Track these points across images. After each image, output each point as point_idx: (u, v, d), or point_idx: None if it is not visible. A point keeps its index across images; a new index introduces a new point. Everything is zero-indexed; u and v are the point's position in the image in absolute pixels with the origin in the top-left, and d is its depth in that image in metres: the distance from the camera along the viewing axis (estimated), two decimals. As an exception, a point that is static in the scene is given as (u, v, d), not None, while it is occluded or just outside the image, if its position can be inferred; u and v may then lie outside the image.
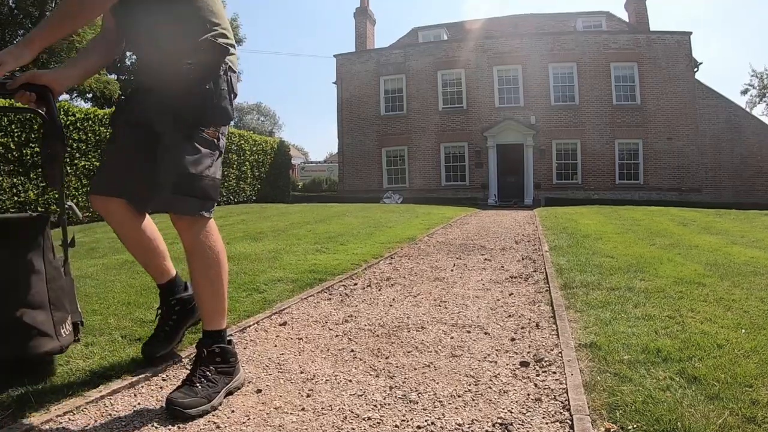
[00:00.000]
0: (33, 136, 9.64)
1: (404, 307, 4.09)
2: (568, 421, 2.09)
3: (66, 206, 2.89)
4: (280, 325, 3.63)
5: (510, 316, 3.78)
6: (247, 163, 18.41)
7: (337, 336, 3.37)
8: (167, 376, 2.73)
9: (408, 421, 2.12)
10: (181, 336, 2.88)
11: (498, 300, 4.27)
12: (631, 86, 21.96)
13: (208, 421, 2.15)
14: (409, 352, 3.01)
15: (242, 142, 18.20)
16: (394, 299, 4.35)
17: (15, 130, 9.42)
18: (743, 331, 3.11)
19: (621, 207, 15.64)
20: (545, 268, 5.51)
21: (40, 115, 2.31)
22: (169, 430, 2.08)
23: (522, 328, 3.47)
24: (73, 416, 2.18)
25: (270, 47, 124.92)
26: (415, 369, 2.73)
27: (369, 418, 2.15)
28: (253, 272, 5.24)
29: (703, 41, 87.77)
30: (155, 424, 2.10)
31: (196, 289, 2.50)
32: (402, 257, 6.62)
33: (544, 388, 2.45)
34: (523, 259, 6.37)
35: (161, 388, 2.58)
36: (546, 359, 2.81)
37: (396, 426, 2.08)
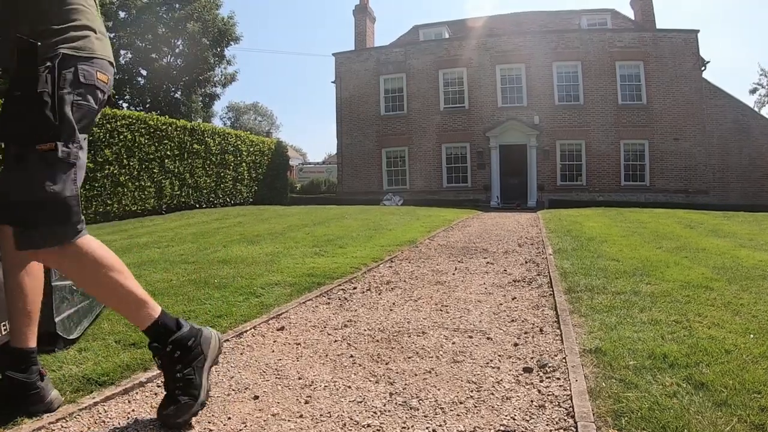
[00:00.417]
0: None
1: (405, 311, 4.10)
2: (573, 428, 2.09)
3: None
4: (278, 330, 3.63)
5: (513, 320, 3.78)
6: (243, 164, 18.43)
7: (336, 341, 3.37)
8: (162, 381, 2.73)
9: (409, 429, 2.12)
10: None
11: (501, 304, 4.28)
12: (637, 85, 21.98)
13: (204, 428, 2.15)
14: (409, 357, 3.02)
15: (239, 142, 18.22)
16: (394, 303, 4.36)
17: None
18: (752, 336, 3.11)
19: (626, 209, 15.65)
20: (549, 272, 5.51)
21: None
22: (164, 437, 2.08)
23: (525, 333, 3.47)
24: (65, 423, 2.18)
25: (267, 45, 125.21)
26: (416, 375, 2.73)
27: (369, 426, 2.15)
28: (250, 276, 5.24)
29: (711, 39, 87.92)
30: (150, 432, 2.11)
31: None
32: (402, 261, 6.62)
33: (548, 395, 2.45)
34: (526, 262, 6.37)
35: (156, 394, 2.59)
36: (550, 365, 2.82)
37: (396, 433, 2.09)
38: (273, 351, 3.20)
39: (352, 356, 3.06)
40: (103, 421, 2.22)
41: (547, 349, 3.12)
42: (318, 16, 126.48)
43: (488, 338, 3.37)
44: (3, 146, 1.88)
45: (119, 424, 2.19)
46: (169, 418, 2.12)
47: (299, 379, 2.72)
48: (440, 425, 2.14)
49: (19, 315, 2.11)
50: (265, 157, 20.41)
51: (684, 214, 13.07)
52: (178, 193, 14.54)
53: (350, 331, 3.57)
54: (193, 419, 2.19)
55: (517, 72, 23.06)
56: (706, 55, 33.18)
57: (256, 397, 2.49)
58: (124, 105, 32.35)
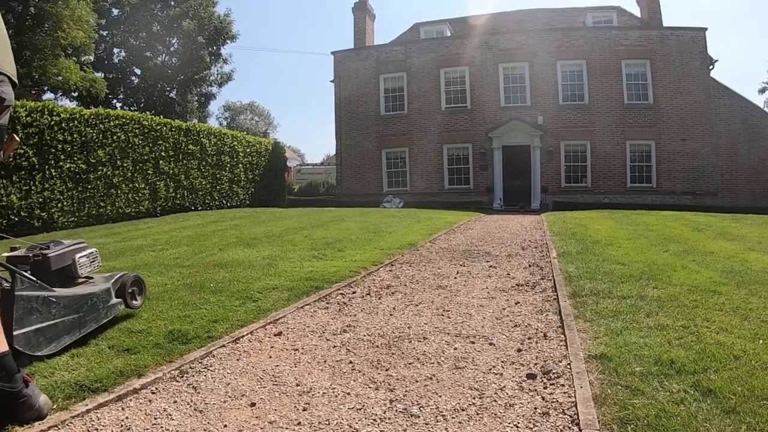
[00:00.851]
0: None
1: (405, 316, 4.10)
2: (577, 436, 2.09)
3: None
4: (275, 335, 3.63)
5: (516, 325, 3.79)
6: (240, 165, 18.43)
7: (334, 347, 3.37)
8: (157, 389, 2.74)
9: (409, 436, 2.12)
10: None
11: (504, 309, 4.28)
12: (644, 85, 22.00)
13: (200, 436, 2.15)
14: (410, 363, 3.02)
15: (235, 143, 18.22)
16: (394, 308, 4.36)
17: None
18: (761, 341, 3.12)
19: (633, 211, 15.66)
20: (553, 276, 5.51)
21: None
22: (159, 445, 2.08)
23: (529, 338, 3.48)
24: (57, 431, 2.18)
25: (264, 44, 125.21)
26: (417, 381, 2.74)
27: (368, 433, 2.16)
28: (246, 280, 5.25)
29: (719, 38, 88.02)
30: (144, 440, 2.11)
31: None
32: (403, 264, 6.63)
33: (552, 402, 2.46)
34: (530, 266, 6.38)
35: (150, 401, 2.59)
36: (554, 371, 2.82)
37: (397, 441, 2.09)
38: (270, 357, 3.20)
39: (351, 362, 3.06)
40: (96, 429, 2.22)
41: (552, 354, 3.13)
42: (316, 14, 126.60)
43: (491, 344, 3.37)
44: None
45: None
46: None
47: (297, 385, 2.72)
48: (442, 433, 2.14)
49: None
50: (262, 158, 20.42)
51: (691, 217, 13.08)
52: (173, 195, 14.54)
53: (349, 337, 3.58)
54: (189, 427, 2.19)
55: (521, 71, 23.08)
56: (714, 53, 33.23)
57: (253, 404, 2.49)
58: (118, 105, 32.37)
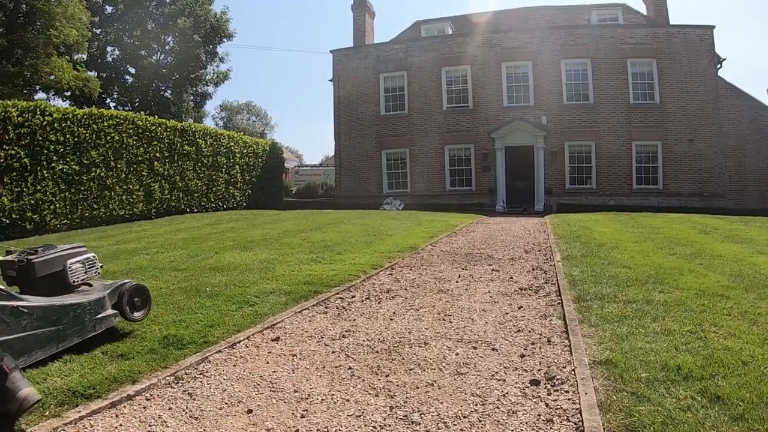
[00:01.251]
0: (6, 137, 9.68)
1: (406, 321, 4.10)
2: (582, 443, 2.10)
3: None
4: (273, 340, 3.63)
5: (519, 330, 3.79)
6: (237, 166, 18.45)
7: (333, 352, 3.38)
8: (151, 395, 2.74)
9: (410, 444, 2.13)
10: None
11: (506, 313, 4.28)
12: (650, 84, 22.00)
13: (196, 444, 2.15)
14: (411, 369, 3.02)
15: (232, 143, 18.24)
16: (394, 313, 4.36)
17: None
18: (770, 347, 3.12)
19: (638, 214, 15.65)
20: (557, 280, 5.51)
21: None
22: (154, 453, 2.09)
23: (532, 343, 3.48)
24: (50, 438, 2.19)
25: (262, 42, 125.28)
26: (418, 388, 2.74)
27: (368, 441, 2.16)
28: (243, 284, 5.25)
29: (726, 36, 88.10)
30: (138, 447, 2.12)
31: None
32: (403, 268, 6.63)
33: (556, 408, 2.46)
34: (533, 269, 6.38)
35: (144, 408, 2.59)
36: (558, 377, 2.82)
37: (397, 449, 2.09)
38: (268, 362, 3.21)
39: (350, 368, 3.06)
40: (90, 436, 2.22)
41: (556, 360, 3.13)
42: (315, 12, 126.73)
43: (493, 349, 3.37)
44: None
45: (106, 439, 2.20)
46: None
47: (295, 392, 2.73)
48: (443, 440, 2.15)
49: None
50: (260, 159, 20.43)
51: (699, 219, 13.08)
52: (168, 196, 14.55)
53: (348, 342, 3.58)
54: (184, 434, 2.19)
55: (524, 70, 23.08)
56: (721, 52, 33.22)
57: (250, 411, 2.50)
58: (112, 104, 32.35)
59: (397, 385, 2.76)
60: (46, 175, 10.50)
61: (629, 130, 22.08)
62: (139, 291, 3.75)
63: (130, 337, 3.52)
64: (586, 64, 22.65)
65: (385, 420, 2.36)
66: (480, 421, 2.33)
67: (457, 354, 3.27)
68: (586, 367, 2.88)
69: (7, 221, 9.58)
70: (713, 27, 21.68)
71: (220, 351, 3.36)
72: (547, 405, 2.50)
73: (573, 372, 2.87)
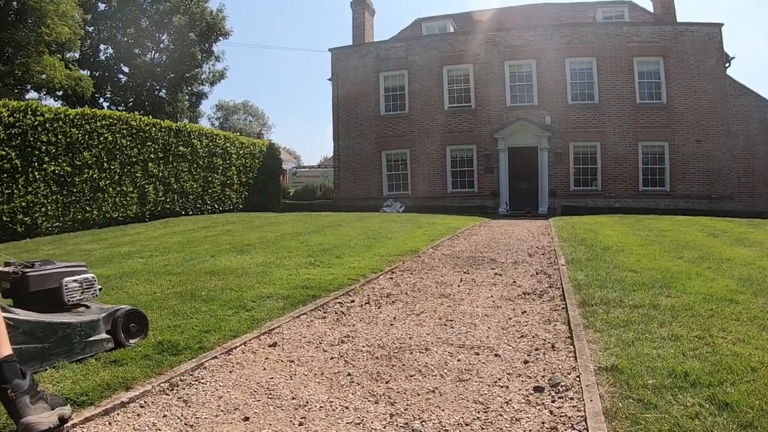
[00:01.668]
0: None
1: (406, 326, 4.11)
2: (587, 451, 2.10)
3: None
4: (270, 346, 3.64)
5: (523, 336, 3.79)
6: (233, 167, 18.47)
7: (332, 358, 3.38)
8: (145, 402, 2.74)
9: (410, 452, 2.13)
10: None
11: (510, 319, 4.29)
12: (657, 83, 22.04)
13: (191, 452, 2.16)
14: (411, 376, 3.03)
15: (228, 144, 18.26)
16: (395, 318, 4.37)
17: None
18: (780, 353, 3.12)
19: (645, 216, 15.67)
20: (561, 284, 5.52)
21: None
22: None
23: (536, 349, 3.48)
24: (41, 446, 2.19)
25: (259, 40, 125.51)
26: (419, 395, 2.74)
27: (367, 449, 2.17)
28: (239, 288, 5.26)
29: (735, 34, 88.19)
30: (132, 456, 2.12)
31: None
32: (404, 271, 6.64)
33: (561, 416, 2.46)
34: (537, 273, 6.39)
35: (138, 415, 2.60)
36: (562, 384, 2.83)
37: (397, 457, 2.10)
38: (265, 369, 3.21)
39: (349, 374, 3.07)
40: (82, 445, 2.22)
41: (560, 366, 3.13)
42: (313, 9, 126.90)
43: (496, 355, 3.38)
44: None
45: (99, 447, 2.20)
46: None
47: (293, 399, 2.73)
48: (444, 449, 2.15)
49: None
50: (256, 161, 20.46)
51: (707, 222, 13.09)
52: (162, 199, 14.57)
53: (348, 348, 3.59)
54: (179, 442, 2.20)
55: (528, 69, 23.14)
56: (730, 50, 33.27)
57: (247, 419, 2.50)
58: (105, 104, 32.41)
59: (398, 392, 2.77)
60: (37, 176, 10.51)
61: (635, 131, 22.09)
62: (136, 317, 3.69)
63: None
64: (591, 62, 22.67)
65: (385, 428, 2.36)
66: (482, 428, 2.34)
67: (458, 360, 3.28)
68: (592, 374, 2.89)
69: None
70: (721, 25, 21.70)
71: (215, 357, 3.37)
72: (551, 412, 2.50)
73: (578, 378, 2.87)
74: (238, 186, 18.97)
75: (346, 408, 2.59)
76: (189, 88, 35.65)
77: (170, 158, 14.86)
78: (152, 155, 14.10)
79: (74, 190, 11.49)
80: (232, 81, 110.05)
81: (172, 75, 33.43)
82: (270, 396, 2.76)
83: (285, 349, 3.58)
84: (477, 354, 3.39)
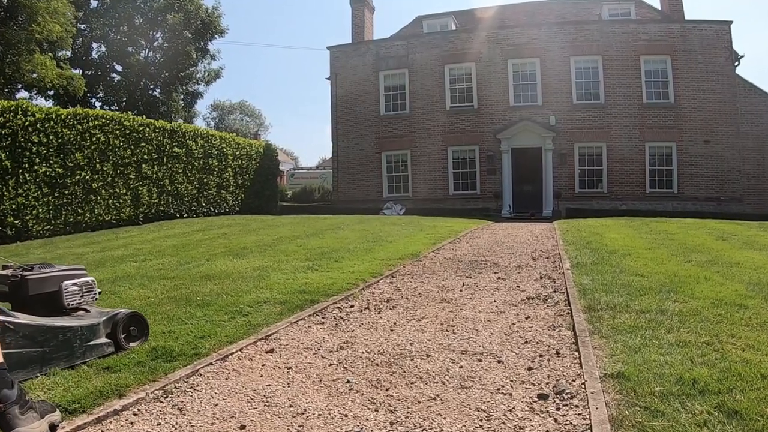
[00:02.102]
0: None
1: (407, 332, 4.11)
2: (592, 460, 2.10)
3: None
4: (267, 352, 3.64)
5: (527, 342, 3.80)
6: (229, 169, 18.49)
7: (331, 365, 3.38)
8: (139, 410, 2.75)
9: (411, 461, 2.13)
10: None
11: (513, 324, 4.29)
12: (664, 82, 22.07)
13: (186, 461, 2.16)
14: (412, 383, 3.03)
15: (224, 145, 18.28)
16: (395, 323, 4.37)
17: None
18: (790, 359, 3.12)
19: (652, 219, 15.68)
20: (566, 288, 5.52)
21: None
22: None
23: (540, 356, 3.49)
24: (32, 455, 2.19)
25: (255, 39, 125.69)
26: (420, 402, 2.74)
27: (367, 458, 2.17)
28: (235, 292, 5.26)
29: (744, 32, 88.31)
30: (126, 465, 2.12)
31: None
32: (404, 276, 6.64)
33: (566, 424, 2.47)
34: (541, 277, 6.39)
35: (132, 423, 2.60)
36: (567, 391, 2.83)
37: (398, 466, 2.10)
38: (261, 376, 3.21)
39: (348, 381, 3.07)
40: (74, 453, 2.23)
41: (565, 373, 3.13)
42: (311, 7, 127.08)
43: (499, 362, 3.38)
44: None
45: (92, 456, 2.20)
46: None
47: (290, 406, 2.73)
48: (446, 458, 2.16)
49: None
50: (253, 162, 20.48)
51: (715, 225, 13.09)
52: (156, 201, 14.58)
53: (347, 354, 3.59)
54: (174, 451, 2.20)
55: (531, 67, 23.16)
56: (739, 48, 33.32)
57: (243, 427, 2.50)
58: (97, 104, 32.47)
59: (398, 400, 2.77)
60: (28, 178, 10.52)
61: (642, 131, 22.10)
62: (136, 320, 3.73)
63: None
64: (596, 61, 22.68)
65: (385, 436, 2.37)
66: (485, 437, 2.34)
67: (461, 367, 3.28)
68: (597, 381, 2.89)
69: None
70: (731, 22, 21.72)
71: (211, 363, 3.37)
72: (555, 420, 2.51)
73: (583, 386, 2.88)
74: (234, 188, 18.98)
75: (345, 416, 2.59)
76: (184, 88, 35.68)
77: (164, 159, 14.87)
78: (146, 156, 14.11)
79: (66, 192, 11.49)
80: (228, 80, 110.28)
81: (166, 74, 33.46)
82: (267, 404, 2.77)
83: (282, 355, 3.58)
84: (479, 360, 3.39)
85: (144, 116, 15.46)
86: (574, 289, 5.41)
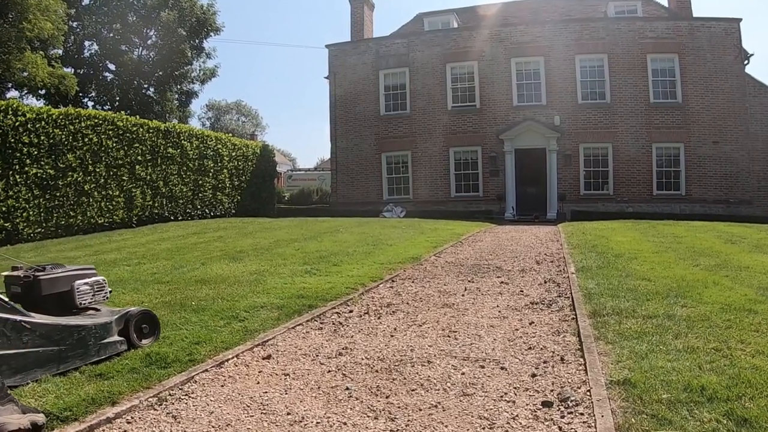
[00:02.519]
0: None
1: (407, 337, 4.11)
2: (598, 470, 2.11)
3: None
4: (264, 358, 3.64)
5: (530, 348, 3.80)
6: (225, 170, 18.50)
7: (329, 371, 3.39)
8: (132, 418, 2.75)
9: (412, 470, 2.14)
10: None
11: (516, 330, 4.29)
12: (671, 81, 22.06)
13: (181, 470, 2.16)
14: (413, 390, 3.03)
15: (219, 146, 18.30)
16: (395, 329, 4.37)
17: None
18: (801, 365, 3.13)
19: (659, 222, 15.68)
20: (571, 293, 5.53)
21: None
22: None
23: (544, 362, 3.49)
24: (23, 464, 2.19)
25: (252, 37, 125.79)
26: (420, 410, 2.75)
27: (367, 467, 2.17)
28: (232, 297, 5.26)
29: (754, 29, 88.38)
30: (119, 474, 2.13)
31: None
32: (405, 280, 6.64)
33: (570, 432, 2.47)
34: (545, 282, 6.39)
35: (125, 431, 2.60)
36: (572, 398, 2.83)
37: (398, 476, 2.10)
38: (258, 382, 3.22)
39: (347, 388, 3.07)
40: (66, 462, 2.23)
41: (569, 380, 3.14)
42: (309, 4, 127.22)
43: (502, 368, 3.38)
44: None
45: (84, 465, 2.21)
46: None
47: (288, 414, 2.73)
48: (448, 467, 2.16)
49: None
50: (250, 163, 20.50)
51: (724, 228, 13.10)
52: (150, 203, 14.58)
53: (346, 360, 3.59)
54: (168, 460, 2.20)
55: (535, 66, 23.15)
56: (749, 47, 33.32)
57: (239, 435, 2.50)
58: (90, 103, 32.43)
59: (398, 407, 2.77)
60: (18, 179, 10.52)
61: (649, 132, 22.09)
62: (148, 318, 3.85)
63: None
64: (602, 59, 22.68)
65: (385, 444, 2.37)
66: (488, 445, 2.34)
67: (463, 373, 3.28)
68: (603, 388, 2.89)
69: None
70: (740, 20, 21.72)
71: (206, 370, 3.37)
72: (560, 428, 2.51)
73: (588, 393, 2.88)
74: (230, 190, 18.99)
75: (344, 424, 2.60)
76: (178, 87, 35.67)
77: (159, 160, 14.88)
78: (140, 157, 14.12)
79: (57, 194, 11.50)
80: (223, 79, 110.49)
81: (160, 73, 33.46)
82: (264, 411, 2.77)
83: (280, 361, 3.58)
84: (482, 367, 3.40)
85: (137, 116, 15.48)
86: (579, 294, 5.41)
